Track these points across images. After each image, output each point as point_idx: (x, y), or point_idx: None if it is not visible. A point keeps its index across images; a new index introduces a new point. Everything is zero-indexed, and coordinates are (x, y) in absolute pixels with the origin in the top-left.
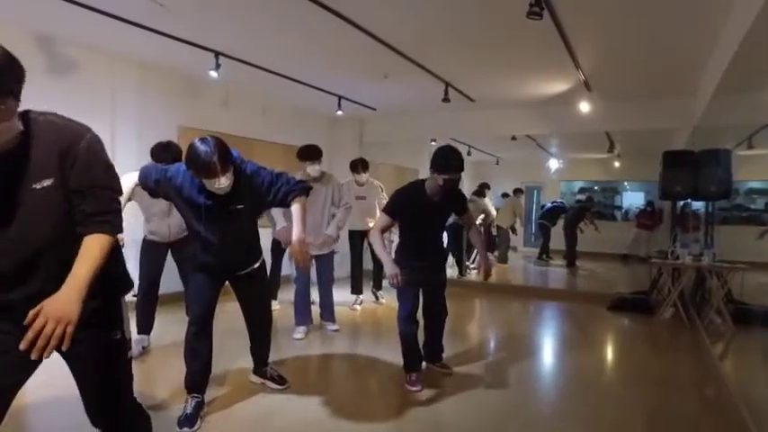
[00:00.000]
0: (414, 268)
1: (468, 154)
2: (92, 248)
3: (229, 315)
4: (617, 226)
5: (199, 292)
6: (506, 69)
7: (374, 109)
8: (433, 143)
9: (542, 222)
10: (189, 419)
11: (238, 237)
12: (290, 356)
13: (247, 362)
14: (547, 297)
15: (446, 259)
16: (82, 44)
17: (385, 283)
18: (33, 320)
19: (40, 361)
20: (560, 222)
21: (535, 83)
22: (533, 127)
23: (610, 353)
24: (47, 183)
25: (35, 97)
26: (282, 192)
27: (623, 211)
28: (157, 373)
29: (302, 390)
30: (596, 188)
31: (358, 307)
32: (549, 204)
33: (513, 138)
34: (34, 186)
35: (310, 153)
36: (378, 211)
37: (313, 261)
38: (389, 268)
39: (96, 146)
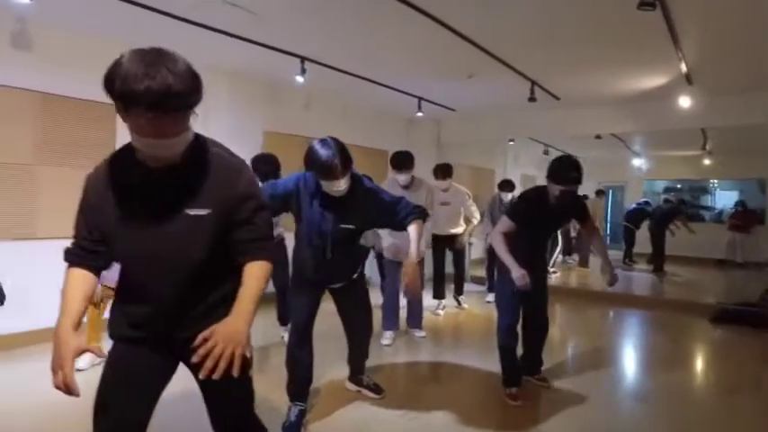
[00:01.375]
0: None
1: (546, 153)
2: (256, 274)
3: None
4: (706, 228)
5: (301, 301)
6: (598, 65)
7: (453, 110)
8: (511, 143)
9: (627, 225)
10: (293, 427)
11: (348, 251)
12: (380, 363)
13: (341, 368)
14: (634, 305)
15: (546, 269)
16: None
17: (467, 287)
18: (203, 343)
19: (162, 387)
20: (645, 224)
21: (629, 78)
22: (623, 124)
23: (721, 371)
24: (203, 212)
25: None
26: (403, 214)
27: (716, 211)
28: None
29: (397, 399)
30: (680, 186)
31: (441, 312)
32: (633, 205)
33: (598, 136)
34: (188, 212)
35: (402, 162)
36: (461, 218)
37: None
38: (516, 270)
39: (253, 179)
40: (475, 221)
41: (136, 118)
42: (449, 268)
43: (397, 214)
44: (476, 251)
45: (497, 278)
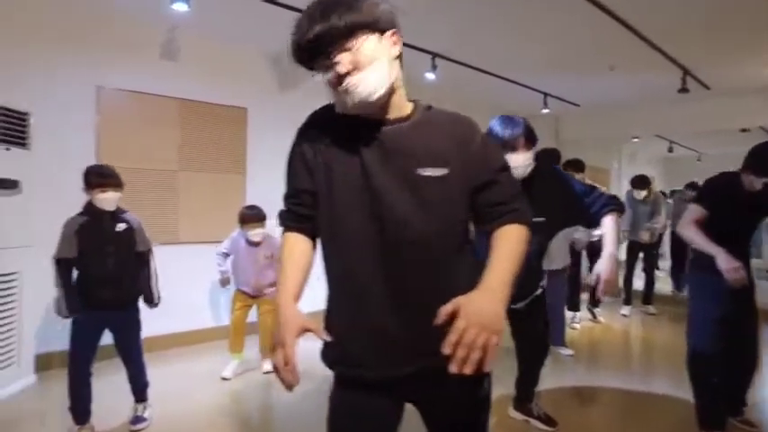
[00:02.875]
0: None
1: (670, 151)
2: (510, 238)
3: None
4: None
5: None
6: (757, 53)
7: (578, 105)
8: (634, 140)
9: None
10: None
11: (538, 251)
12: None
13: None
14: None
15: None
16: None
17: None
18: (447, 325)
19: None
20: None
21: None
22: None
23: None
24: (440, 172)
25: (269, 110)
26: (597, 205)
27: None
28: None
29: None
30: None
31: (577, 325)
32: None
33: (744, 130)
34: (420, 172)
35: (552, 158)
36: None
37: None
38: (725, 260)
39: (486, 137)
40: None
41: (320, 71)
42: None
43: (594, 201)
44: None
45: (691, 281)
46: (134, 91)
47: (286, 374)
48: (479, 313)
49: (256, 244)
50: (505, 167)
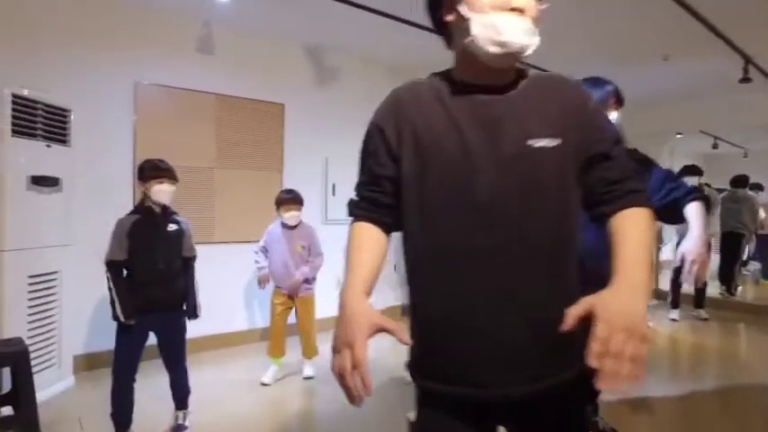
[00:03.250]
0: None
1: (715, 147)
2: (640, 229)
3: None
4: None
5: None
6: None
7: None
8: (678, 136)
9: None
10: None
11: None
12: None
13: None
14: None
15: None
16: (344, 50)
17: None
18: (576, 327)
19: None
20: None
21: None
22: None
23: None
24: (553, 142)
25: (306, 107)
26: (683, 190)
27: None
28: None
29: None
30: None
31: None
32: None
33: None
34: (531, 143)
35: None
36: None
37: None
38: None
39: (597, 103)
40: None
41: None
42: None
43: (675, 187)
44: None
45: None
46: (171, 86)
47: (354, 381)
48: (623, 315)
49: (292, 229)
50: (620, 140)
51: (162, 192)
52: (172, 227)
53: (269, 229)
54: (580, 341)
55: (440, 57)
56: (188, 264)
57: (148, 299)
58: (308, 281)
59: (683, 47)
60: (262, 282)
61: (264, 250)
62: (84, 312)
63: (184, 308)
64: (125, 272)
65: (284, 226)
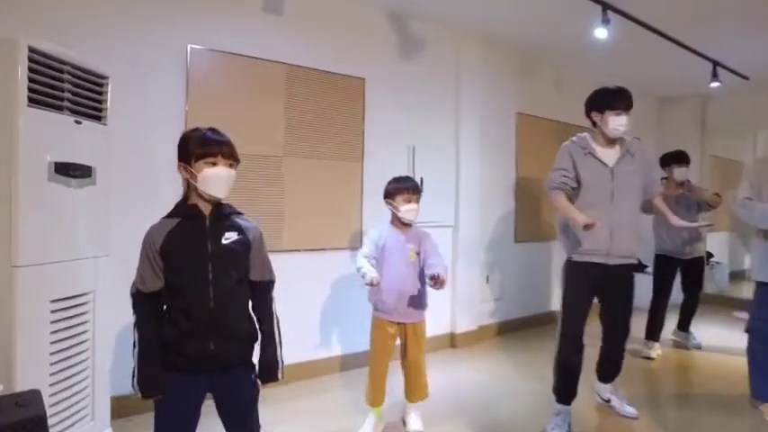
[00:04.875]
0: None
1: None
2: None
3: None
4: None
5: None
6: None
7: (747, 78)
8: None
9: None
10: None
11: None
12: None
13: None
14: None
15: None
16: (432, 19)
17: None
18: None
19: None
20: None
21: None
22: None
23: None
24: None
25: (388, 81)
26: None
27: None
28: None
29: None
30: None
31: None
32: None
33: None
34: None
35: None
36: None
37: None
38: None
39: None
40: None
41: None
42: None
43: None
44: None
45: None
46: (231, 52)
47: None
48: None
49: (402, 229)
50: None
51: (215, 179)
52: (229, 236)
53: (375, 231)
54: None
55: (532, 30)
56: (260, 291)
57: (194, 354)
58: (423, 302)
59: None
60: (373, 283)
61: (373, 258)
62: (123, 340)
63: (255, 363)
64: (164, 306)
65: (395, 225)
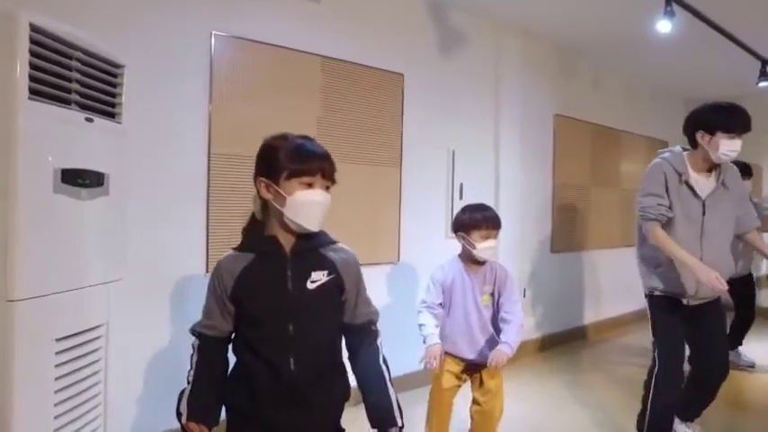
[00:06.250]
0: None
1: None
2: None
3: None
4: None
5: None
6: None
7: None
8: None
9: None
10: None
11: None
12: None
13: None
14: None
15: None
16: (473, 11)
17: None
18: None
19: None
20: None
21: None
22: None
23: None
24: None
25: (428, 79)
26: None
27: None
28: None
29: None
30: None
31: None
32: None
33: None
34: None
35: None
36: None
37: None
38: None
39: None
40: None
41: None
42: None
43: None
44: None
45: None
46: (260, 41)
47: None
48: None
49: (475, 267)
50: None
51: (309, 206)
52: (317, 278)
53: (442, 266)
54: None
55: (573, 26)
56: (363, 335)
57: (264, 425)
58: (496, 343)
59: None
60: (433, 359)
61: (439, 305)
62: (141, 381)
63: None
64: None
65: (465, 262)
